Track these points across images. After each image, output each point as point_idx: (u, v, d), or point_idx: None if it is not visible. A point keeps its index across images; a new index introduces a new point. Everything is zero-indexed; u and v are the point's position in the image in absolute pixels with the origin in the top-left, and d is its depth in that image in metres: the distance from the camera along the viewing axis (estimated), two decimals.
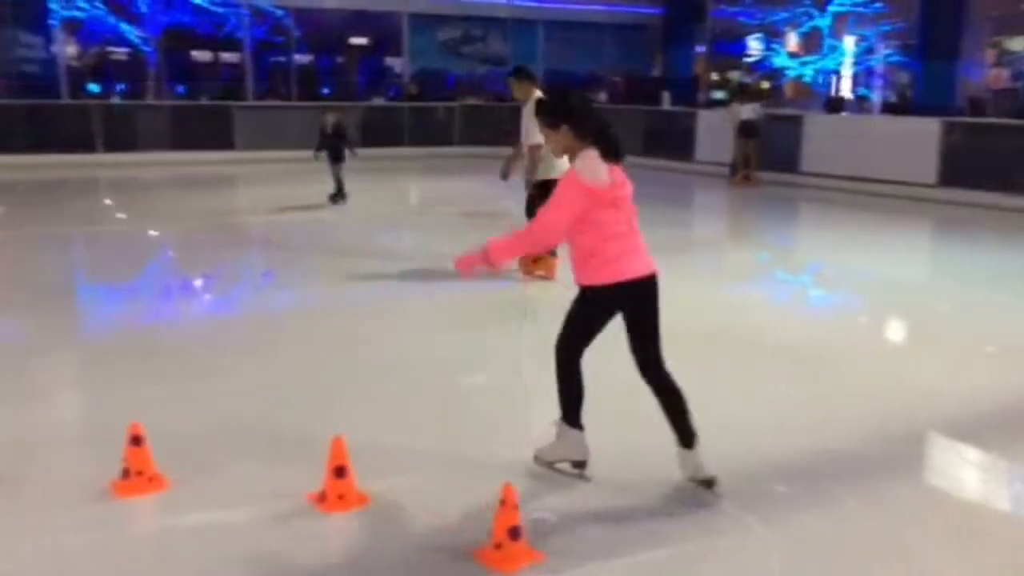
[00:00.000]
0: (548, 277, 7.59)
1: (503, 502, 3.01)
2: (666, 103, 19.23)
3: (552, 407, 3.80)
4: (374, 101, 20.83)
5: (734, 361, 5.53)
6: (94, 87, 20.25)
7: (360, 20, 22.20)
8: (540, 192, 7.57)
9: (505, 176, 8.36)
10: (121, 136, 16.90)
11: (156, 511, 3.49)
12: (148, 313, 6.80)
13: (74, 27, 18.70)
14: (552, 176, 7.61)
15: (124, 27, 18.48)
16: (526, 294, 7.30)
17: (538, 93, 7.56)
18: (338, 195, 11.60)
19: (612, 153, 3.54)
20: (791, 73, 22.33)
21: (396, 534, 3.32)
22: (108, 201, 13.54)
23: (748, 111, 14.74)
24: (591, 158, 3.50)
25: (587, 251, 3.52)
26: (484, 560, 3.05)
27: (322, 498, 3.45)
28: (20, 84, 17.73)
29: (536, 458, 3.84)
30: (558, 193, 3.49)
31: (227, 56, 21.52)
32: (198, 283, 7.86)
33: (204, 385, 4.93)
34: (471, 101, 20.72)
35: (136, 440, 3.54)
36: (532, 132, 7.48)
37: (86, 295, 7.65)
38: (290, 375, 5.14)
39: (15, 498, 3.51)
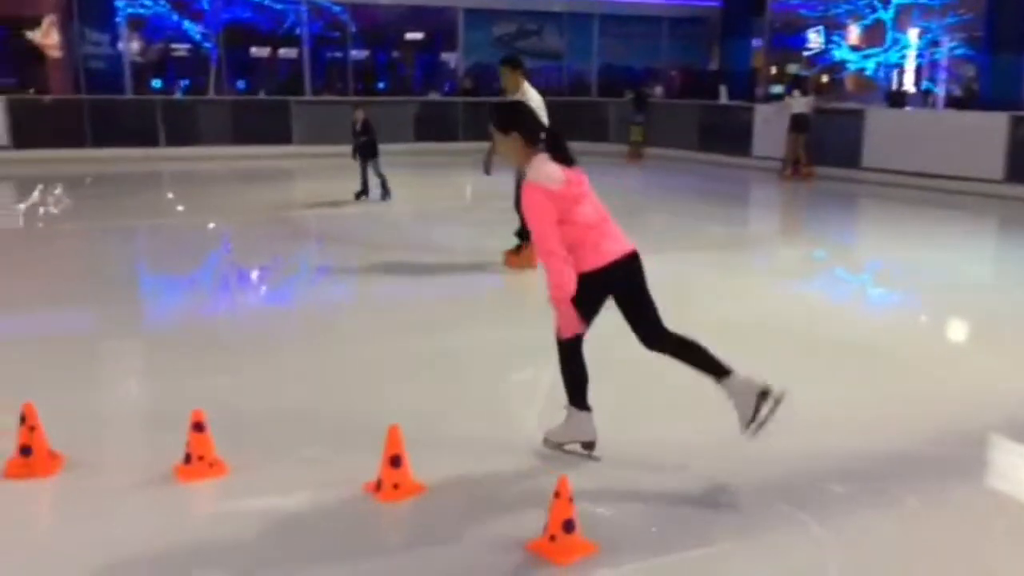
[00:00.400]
0: (530, 266, 7.50)
1: (558, 495, 3.02)
2: (723, 97, 18.99)
3: (600, 399, 3.80)
4: (429, 96, 20.95)
5: (790, 359, 5.45)
6: (157, 83, 20.72)
7: (415, 15, 22.33)
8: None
9: (488, 170, 8.15)
10: (183, 130, 17.28)
11: (216, 496, 3.58)
12: (207, 304, 6.95)
13: (138, 24, 19.14)
14: None
15: (186, 24, 18.85)
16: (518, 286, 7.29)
17: (527, 86, 7.43)
18: (363, 193, 11.50)
19: (562, 156, 3.75)
20: (852, 66, 21.88)
21: (450, 524, 3.35)
22: (170, 195, 13.85)
23: (800, 104, 14.52)
24: (542, 162, 3.70)
25: (569, 245, 3.65)
26: (538, 552, 3.06)
27: (378, 487, 3.50)
28: (87, 79, 18.23)
29: (545, 440, 3.92)
30: (529, 215, 3.66)
31: (285, 52, 21.83)
32: (255, 275, 8.00)
33: (262, 374, 5.03)
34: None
35: (198, 426, 3.63)
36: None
37: (148, 286, 7.84)
38: (346, 365, 5.21)
39: (86, 481, 3.62)
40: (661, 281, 7.89)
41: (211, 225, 10.43)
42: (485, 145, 21.16)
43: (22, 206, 11.84)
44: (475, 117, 19.46)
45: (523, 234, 7.68)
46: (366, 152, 11.43)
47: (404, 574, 3.04)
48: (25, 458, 3.59)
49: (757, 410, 3.68)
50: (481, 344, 5.72)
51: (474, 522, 3.35)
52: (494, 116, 3.90)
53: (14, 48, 19.89)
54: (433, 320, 6.32)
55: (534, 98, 7.15)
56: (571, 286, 3.62)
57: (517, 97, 7.15)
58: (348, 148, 11.77)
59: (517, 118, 3.85)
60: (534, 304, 6.76)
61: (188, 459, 3.64)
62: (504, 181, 15.63)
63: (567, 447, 3.89)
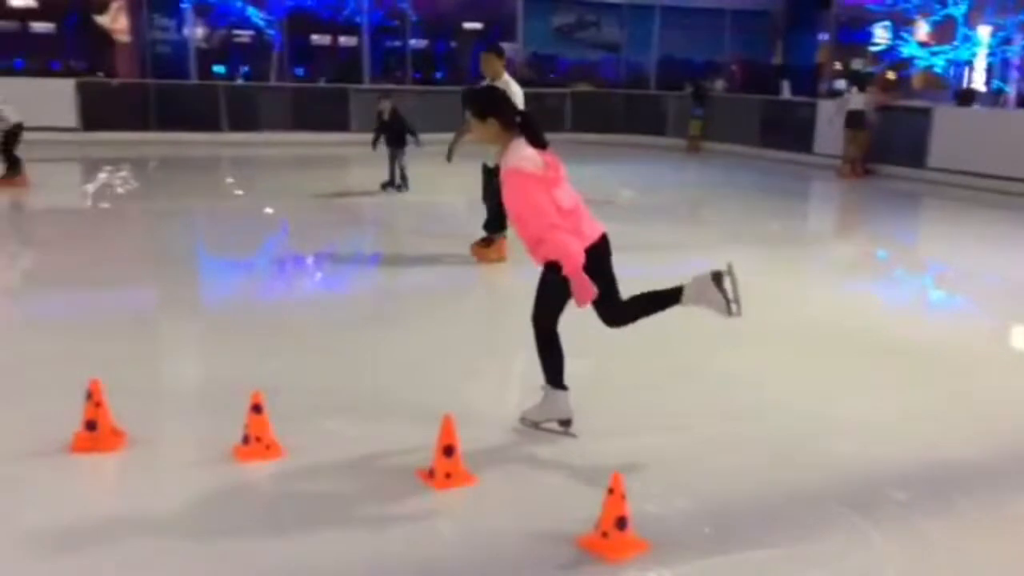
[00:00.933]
0: (501, 259, 7.55)
1: (611, 491, 3.00)
2: (786, 92, 18.69)
3: (659, 393, 3.77)
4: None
5: (851, 361, 5.35)
6: (220, 68, 21.06)
7: (475, 5, 22.37)
8: (487, 177, 7.42)
9: (450, 158, 8.05)
10: (244, 116, 17.55)
11: (273, 478, 3.63)
12: (264, 287, 7.06)
13: (204, 10, 19.47)
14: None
15: (250, 11, 19.13)
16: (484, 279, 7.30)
17: (506, 75, 7.36)
18: (390, 183, 11.44)
19: (536, 140, 3.83)
20: (920, 63, 21.34)
21: (501, 515, 3.35)
22: (230, 179, 14.08)
23: (858, 101, 14.23)
24: (520, 146, 3.79)
25: (539, 235, 3.74)
26: (590, 548, 3.05)
27: (431, 475, 3.52)
28: (153, 64, 18.61)
29: (523, 419, 4.04)
30: (520, 197, 3.75)
31: (345, 40, 22.02)
32: (310, 260, 8.10)
33: (318, 358, 5.09)
34: (583, 87, 20.61)
35: (257, 408, 3.69)
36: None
37: (208, 268, 7.98)
38: (400, 352, 5.25)
39: (147, 458, 3.71)
40: None
41: (269, 210, 10.58)
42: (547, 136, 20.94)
43: (90, 187, 12.16)
44: (532, 107, 19.44)
45: (491, 225, 7.61)
46: (394, 142, 11.38)
47: (456, 564, 3.05)
48: (90, 433, 3.69)
49: (724, 292, 3.86)
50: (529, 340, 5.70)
51: (524, 515, 3.35)
52: (471, 102, 3.98)
53: (85, 33, 20.40)
54: (488, 308, 6.34)
55: (514, 86, 7.16)
56: (580, 255, 3.68)
57: (498, 84, 7.09)
58: (407, 136, 11.80)
59: (494, 103, 3.94)
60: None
61: (246, 440, 3.70)
62: (572, 172, 15.54)
63: (543, 425, 4.04)
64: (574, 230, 3.76)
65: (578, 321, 4.04)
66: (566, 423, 4.04)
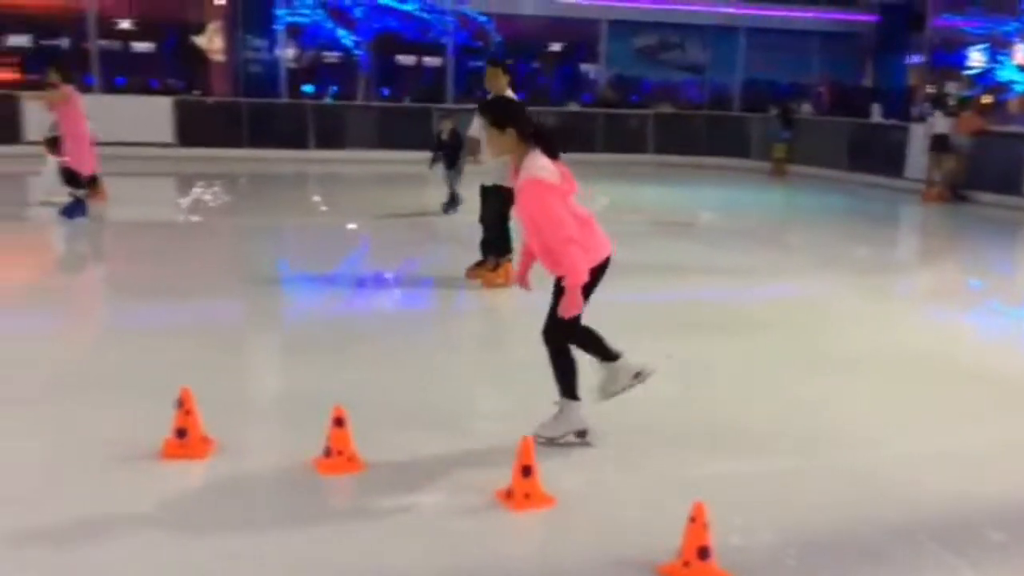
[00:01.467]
0: (507, 283, 7.32)
1: (693, 519, 2.95)
2: (876, 115, 18.24)
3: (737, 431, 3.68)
4: (569, 106, 21.02)
5: (940, 390, 5.16)
6: (308, 88, 21.62)
7: (558, 26, 22.46)
8: (485, 197, 7.32)
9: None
10: (331, 134, 17.97)
11: (353, 491, 3.68)
12: (345, 302, 7.18)
13: (295, 32, 20.03)
14: (507, 184, 7.33)
15: (340, 32, 19.60)
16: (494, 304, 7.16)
17: (509, 91, 7.23)
18: (450, 204, 11.42)
19: (551, 151, 3.88)
20: (1019, 88, 20.59)
21: (579, 539, 3.32)
22: (316, 196, 14.40)
23: (943, 125, 13.79)
24: (536, 156, 3.84)
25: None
26: None
27: (509, 495, 3.51)
28: (246, 83, 19.21)
29: (538, 437, 3.88)
30: (541, 207, 3.79)
31: (429, 60, 22.37)
32: (389, 276, 8.21)
33: (397, 374, 5.14)
34: (665, 109, 20.50)
35: (338, 422, 3.74)
36: None
37: (291, 282, 8.15)
38: (480, 371, 5.27)
39: (234, 465, 3.80)
40: (800, 303, 7.65)
41: (352, 226, 10.77)
42: (623, 157, 20.95)
43: (183, 201, 12.59)
44: (614, 128, 19.41)
45: (492, 247, 7.50)
46: (449, 163, 11.40)
47: None
48: (180, 440, 3.79)
49: (626, 388, 4.10)
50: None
51: (603, 539, 3.31)
52: (489, 112, 4.01)
53: (183, 53, 21.20)
54: None
55: (517, 99, 7.07)
56: (585, 275, 3.80)
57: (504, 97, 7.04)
58: (483, 156, 11.85)
59: (513, 113, 4.00)
60: (675, 323, 6.68)
61: (328, 452, 3.76)
62: (643, 195, 15.44)
63: (560, 440, 4.01)
64: (584, 244, 3.84)
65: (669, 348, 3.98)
66: (582, 434, 4.06)
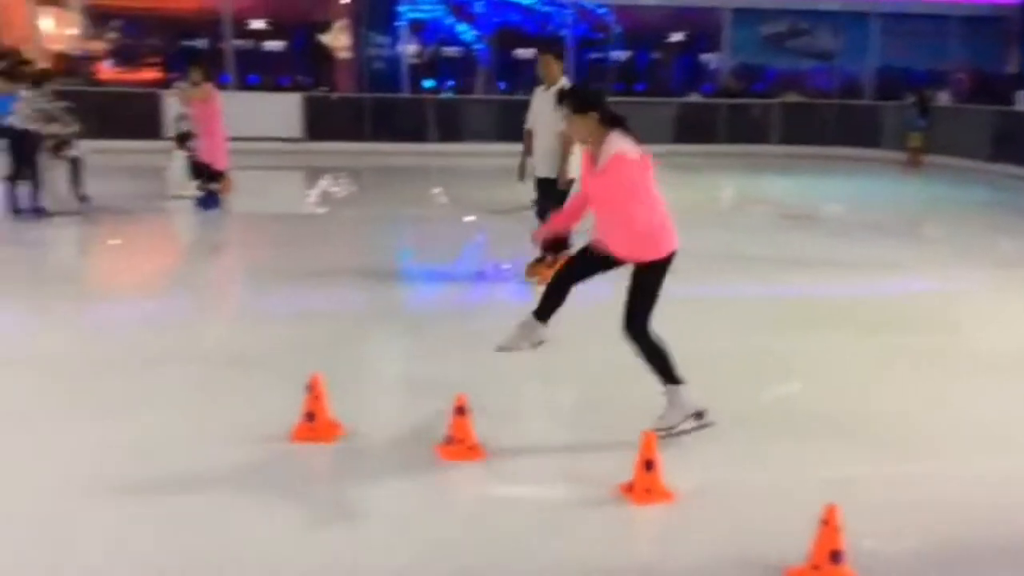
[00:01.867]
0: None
1: (825, 522, 2.83)
2: (1021, 103, 17.14)
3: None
4: (691, 97, 20.64)
5: None
6: (429, 82, 21.98)
7: (680, 16, 22.06)
8: (549, 191, 7.02)
9: (522, 176, 7.57)
10: (451, 128, 18.22)
11: (474, 479, 3.70)
12: (465, 293, 7.25)
13: (417, 28, 20.39)
14: (575, 175, 6.80)
15: (460, 27, 19.84)
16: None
17: (564, 79, 7.00)
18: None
19: (629, 132, 4.00)
20: None
21: (701, 537, 3.24)
22: (436, 189, 14.63)
23: None
24: (619, 138, 3.94)
25: (648, 228, 3.93)
26: None
27: (630, 489, 3.46)
28: (369, 79, 19.70)
29: (658, 430, 3.80)
30: (630, 183, 3.90)
31: None
32: (508, 268, 8.24)
33: (518, 366, 5.13)
34: (792, 98, 19.85)
35: (460, 411, 3.78)
36: (558, 119, 6.96)
37: (413, 272, 8.29)
38: (602, 365, 5.21)
39: (359, 450, 3.89)
40: (938, 298, 7.24)
41: (471, 218, 10.88)
42: (747, 148, 20.40)
43: (310, 193, 13.01)
44: (737, 119, 18.94)
45: (546, 244, 7.26)
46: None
47: None
48: (310, 424, 3.91)
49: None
50: (740, 351, 5.51)
51: (726, 538, 3.22)
52: (571, 98, 4.07)
53: (310, 50, 21.92)
54: (688, 325, 6.17)
55: None
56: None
57: (557, 87, 6.77)
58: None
59: (594, 97, 4.07)
60: (815, 315, 6.46)
61: (450, 440, 3.80)
62: (768, 186, 14.99)
63: (679, 428, 3.96)
64: (668, 231, 4.01)
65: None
66: (700, 415, 4.00)
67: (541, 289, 5.75)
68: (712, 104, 19.65)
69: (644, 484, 3.43)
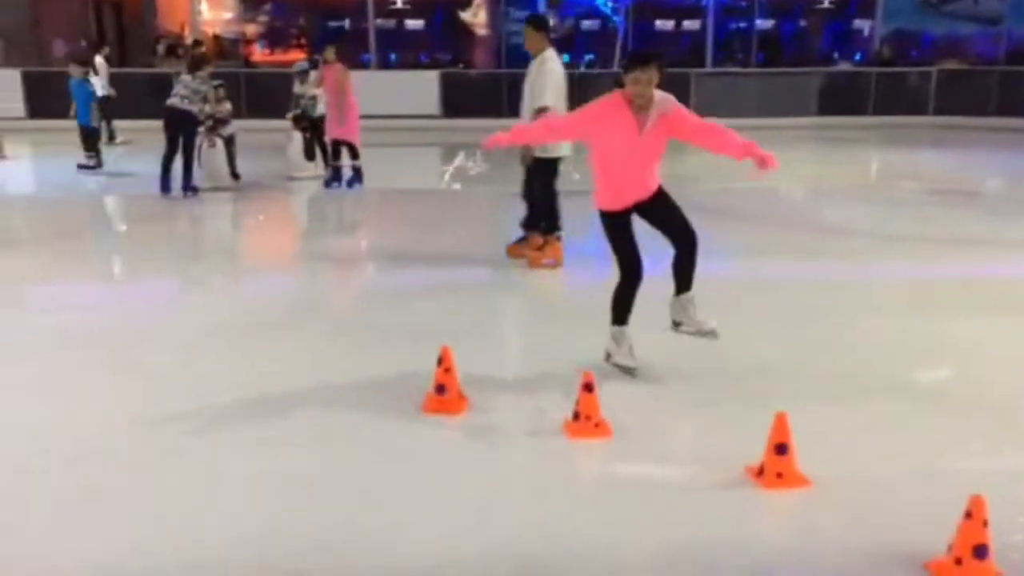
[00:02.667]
0: (557, 263, 6.84)
1: (969, 515, 2.67)
2: None
3: None
4: (840, 66, 19.71)
5: None
6: (565, 57, 21.88)
7: None
8: (537, 170, 6.71)
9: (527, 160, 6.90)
10: (584, 101, 18.09)
11: (599, 457, 3.70)
12: (593, 271, 7.18)
13: (556, 2, 20.31)
14: (549, 155, 6.67)
15: (600, 0, 19.63)
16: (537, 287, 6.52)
17: (551, 51, 6.66)
18: None
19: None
20: None
21: (836, 524, 3.12)
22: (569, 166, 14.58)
23: None
24: (666, 95, 4.33)
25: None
26: (939, 573, 2.74)
27: (760, 472, 3.38)
28: (507, 55, 19.79)
29: (676, 325, 4.59)
30: (695, 118, 4.42)
31: (688, 24, 21.83)
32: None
33: (649, 343, 5.09)
34: (951, 65, 18.64)
35: (588, 387, 3.77)
36: (542, 93, 6.48)
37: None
38: (733, 344, 5.08)
39: (487, 424, 3.94)
40: None
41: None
42: (899, 119, 19.32)
43: (446, 170, 13.24)
44: (889, 89, 17.96)
45: (543, 223, 6.97)
46: None
47: (786, 571, 2.89)
48: (440, 396, 4.00)
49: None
50: (879, 337, 5.26)
51: (862, 527, 3.09)
52: (656, 60, 4.21)
53: (450, 28, 22.23)
54: (824, 305, 5.94)
55: (556, 65, 6.64)
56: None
57: (540, 61, 6.58)
58: (750, 121, 11.45)
59: (660, 56, 4.25)
60: (942, 291, 6.10)
61: (576, 417, 3.80)
62: (921, 160, 14.19)
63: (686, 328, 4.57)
64: None
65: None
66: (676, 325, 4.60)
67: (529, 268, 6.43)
68: (862, 73, 18.72)
69: (775, 468, 3.33)
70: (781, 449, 3.33)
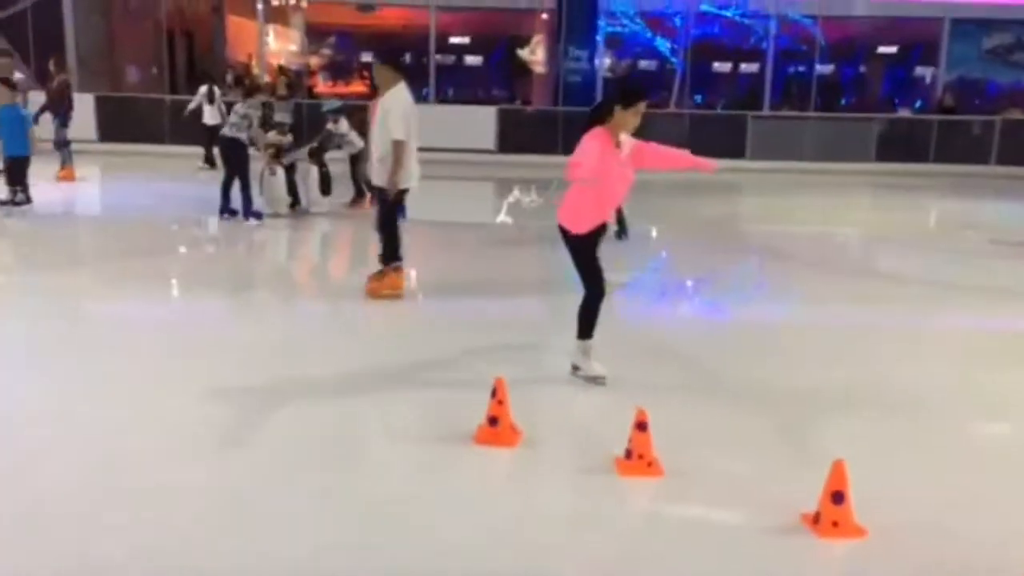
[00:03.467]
0: (397, 295, 6.71)
1: None
2: None
3: None
4: (900, 112, 19.52)
5: None
6: None
7: (892, 27, 20.92)
8: (387, 201, 6.62)
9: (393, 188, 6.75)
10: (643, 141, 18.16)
11: (650, 496, 3.67)
12: (645, 308, 7.19)
13: (614, 42, 20.47)
14: (407, 185, 6.64)
15: (658, 41, 19.74)
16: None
17: (402, 85, 6.56)
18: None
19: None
20: None
21: None
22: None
23: None
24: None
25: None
26: None
27: (815, 520, 3.32)
28: (564, 92, 19.97)
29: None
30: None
31: (746, 66, 21.83)
32: (690, 284, 8.11)
33: (701, 384, 5.06)
34: (1015, 115, 18.34)
35: (641, 426, 3.75)
36: (396, 127, 6.44)
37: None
38: (783, 388, 5.03)
39: (538, 457, 3.95)
40: None
41: (655, 232, 10.78)
42: (960, 168, 18.98)
43: (501, 205, 13.33)
44: (952, 136, 17.72)
45: (388, 257, 6.85)
46: None
47: None
48: (492, 428, 4.01)
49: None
50: (950, 385, 5.15)
51: None
52: (634, 96, 4.88)
53: (507, 65, 22.52)
54: (899, 357, 5.83)
55: (405, 99, 6.55)
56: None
57: (390, 95, 6.52)
58: (807, 165, 11.36)
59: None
60: (1006, 345, 5.96)
61: (628, 455, 3.78)
62: (983, 210, 13.91)
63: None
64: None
65: None
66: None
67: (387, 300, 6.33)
68: (922, 121, 18.50)
69: (831, 517, 3.28)
70: (838, 498, 3.27)
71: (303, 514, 3.38)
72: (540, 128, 18.41)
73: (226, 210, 10.00)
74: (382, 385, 4.90)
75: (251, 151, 10.01)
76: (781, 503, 3.49)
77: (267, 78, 16.98)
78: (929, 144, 17.69)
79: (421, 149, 10.94)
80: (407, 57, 21.99)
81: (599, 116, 4.83)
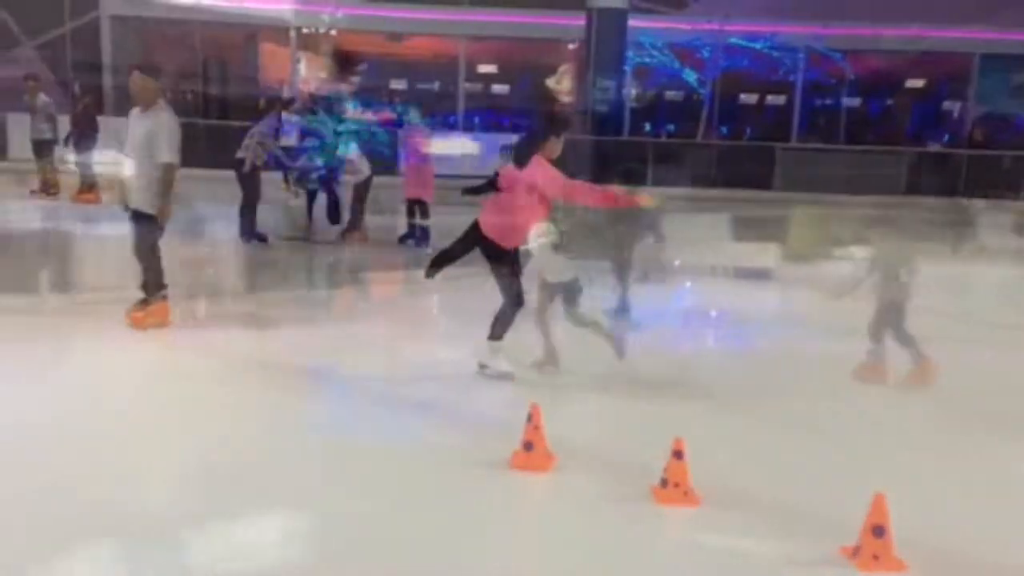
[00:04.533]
0: (164, 323, 6.26)
1: None
2: None
3: None
4: (929, 147, 19.47)
5: None
6: (646, 126, 22.08)
7: (921, 61, 20.92)
8: (146, 227, 6.11)
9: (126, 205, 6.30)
10: (668, 171, 18.20)
11: (686, 525, 3.65)
12: (686, 337, 7.17)
13: (642, 73, 20.61)
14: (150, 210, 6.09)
15: (686, 72, 19.84)
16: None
17: (162, 101, 6.15)
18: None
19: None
20: None
21: None
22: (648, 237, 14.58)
23: None
24: None
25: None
26: None
27: (855, 553, 3.29)
28: (592, 122, 20.10)
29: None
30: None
31: (773, 99, 21.87)
32: (730, 314, 8.07)
33: (735, 414, 5.04)
34: None
35: (678, 454, 3.74)
36: (169, 147, 6.03)
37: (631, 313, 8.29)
38: (830, 422, 5.00)
39: (573, 484, 3.94)
40: None
41: (678, 262, 10.74)
42: (993, 203, 18.73)
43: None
44: (979, 171, 17.64)
45: (149, 288, 6.30)
46: None
47: None
48: (527, 453, 4.02)
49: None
50: (992, 415, 5.09)
51: None
52: (559, 126, 5.70)
53: (534, 93, 22.67)
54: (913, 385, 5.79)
55: (171, 116, 6.17)
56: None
57: (155, 111, 6.11)
58: (835, 197, 11.31)
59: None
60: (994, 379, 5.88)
61: (664, 483, 3.77)
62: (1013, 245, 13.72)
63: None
64: None
65: None
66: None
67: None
68: (951, 154, 18.45)
69: (871, 550, 3.24)
70: (878, 531, 3.24)
71: (339, 544, 3.39)
72: (567, 157, 18.49)
73: (243, 231, 10.10)
74: (416, 408, 4.91)
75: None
76: (821, 535, 3.47)
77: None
78: (958, 177, 17.63)
79: (450, 176, 10.98)
80: (436, 84, 22.22)
81: (537, 145, 5.58)
